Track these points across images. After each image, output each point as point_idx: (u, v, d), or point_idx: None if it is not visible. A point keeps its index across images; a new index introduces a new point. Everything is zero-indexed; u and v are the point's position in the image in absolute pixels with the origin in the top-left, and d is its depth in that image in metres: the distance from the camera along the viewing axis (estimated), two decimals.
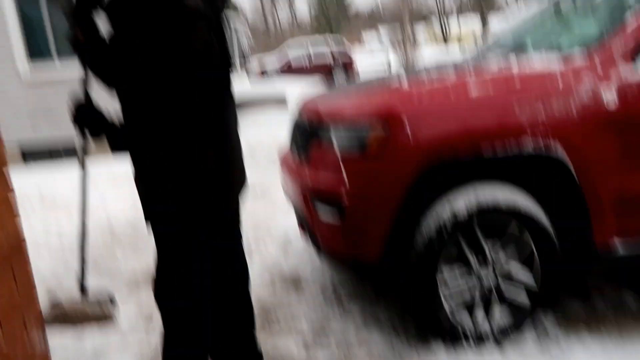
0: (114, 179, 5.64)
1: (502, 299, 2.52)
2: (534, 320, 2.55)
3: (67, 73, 8.33)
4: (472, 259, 2.47)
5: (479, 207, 2.37)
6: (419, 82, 2.69)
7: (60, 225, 4.57)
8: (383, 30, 75.54)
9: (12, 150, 7.72)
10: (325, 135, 2.68)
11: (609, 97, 2.41)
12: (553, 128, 2.37)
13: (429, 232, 2.40)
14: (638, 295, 2.90)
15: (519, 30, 3.79)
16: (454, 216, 2.36)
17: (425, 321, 2.53)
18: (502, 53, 3.34)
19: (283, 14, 63.57)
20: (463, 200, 2.39)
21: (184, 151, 1.59)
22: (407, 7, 30.15)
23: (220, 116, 1.68)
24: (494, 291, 2.50)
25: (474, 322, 2.50)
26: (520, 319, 2.53)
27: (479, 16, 50.87)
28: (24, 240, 1.87)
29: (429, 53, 32.09)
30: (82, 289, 2.81)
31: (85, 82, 1.76)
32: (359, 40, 56.99)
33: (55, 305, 2.76)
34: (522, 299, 2.52)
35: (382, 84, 3.08)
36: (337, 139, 2.58)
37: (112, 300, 2.83)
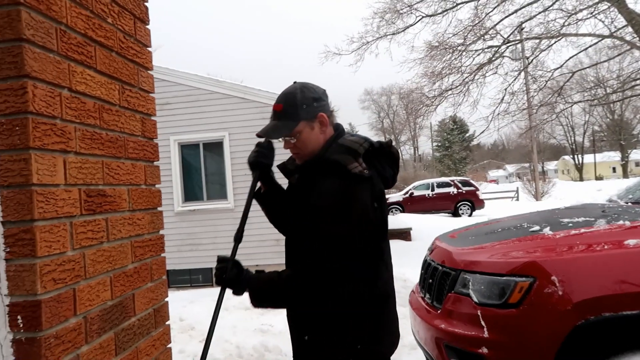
0: (245, 307, 5.88)
1: None
2: None
3: (211, 205, 9.39)
4: None
5: None
6: (565, 229, 2.55)
7: (196, 350, 4.79)
8: (509, 166, 74.60)
9: None
10: (461, 281, 2.59)
11: None
12: None
13: None
14: None
15: None
16: None
17: None
18: None
19: (407, 156, 66.28)
20: None
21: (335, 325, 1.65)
22: (535, 140, 29.60)
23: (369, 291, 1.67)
24: None
25: None
26: None
27: (618, 150, 47.96)
28: None
29: (563, 190, 30.46)
30: None
31: (237, 242, 1.83)
32: (484, 177, 56.53)
33: None
34: None
35: (521, 230, 2.97)
36: (474, 286, 2.48)
37: None
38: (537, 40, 13.96)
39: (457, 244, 3.09)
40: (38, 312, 1.10)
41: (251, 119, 8.98)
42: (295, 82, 1.80)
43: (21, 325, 1.11)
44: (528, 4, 13.45)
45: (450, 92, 14.59)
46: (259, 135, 1.75)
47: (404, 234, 12.09)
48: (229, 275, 1.64)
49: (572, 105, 17.46)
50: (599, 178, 52.20)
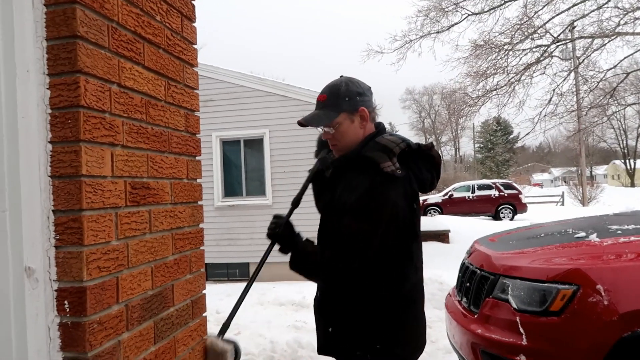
0: (280, 303, 5.95)
1: None
2: None
3: (249, 201, 9.53)
4: None
5: None
6: (613, 236, 2.45)
7: None
8: (555, 169, 72.09)
9: None
10: (500, 286, 2.53)
11: None
12: None
13: None
14: None
15: None
16: None
17: None
18: None
19: (447, 157, 65.20)
20: None
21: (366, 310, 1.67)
22: (584, 143, 28.48)
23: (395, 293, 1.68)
24: None
25: None
26: None
27: None
28: None
29: (612, 196, 29.18)
30: None
31: (294, 206, 1.87)
32: (527, 180, 54.92)
33: None
34: None
35: (566, 236, 2.87)
36: (514, 292, 2.42)
37: None
38: (590, 40, 13.42)
39: (497, 248, 3.01)
40: (84, 298, 1.15)
41: (291, 117, 9.04)
42: (341, 76, 1.81)
43: (67, 310, 1.16)
44: (581, 2, 12.95)
45: (494, 93, 14.23)
46: (299, 122, 1.77)
47: (442, 236, 11.90)
48: (282, 232, 1.71)
49: (625, 108, 16.70)
50: None
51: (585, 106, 15.05)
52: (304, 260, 1.70)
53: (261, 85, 9.52)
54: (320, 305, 1.83)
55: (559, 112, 14.73)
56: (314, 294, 1.91)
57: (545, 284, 2.31)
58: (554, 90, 14.45)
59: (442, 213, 20.51)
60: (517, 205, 20.56)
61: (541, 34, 13.57)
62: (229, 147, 9.83)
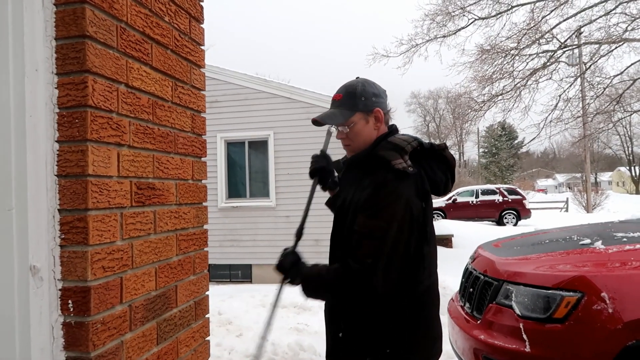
0: (282, 306, 5.94)
1: None
2: None
3: (253, 203, 9.54)
4: None
5: None
6: (619, 244, 2.43)
7: (232, 344, 4.88)
8: (560, 175, 71.83)
9: None
10: (503, 292, 2.52)
11: None
12: None
13: None
14: None
15: None
16: None
17: None
18: None
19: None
20: None
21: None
22: (589, 149, 28.38)
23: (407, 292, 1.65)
24: None
25: None
26: None
27: None
28: None
29: (617, 203, 29.05)
30: None
31: (329, 139, 1.94)
32: (532, 186, 54.76)
33: None
34: None
35: (570, 242, 2.85)
36: (517, 298, 2.41)
37: None
38: (597, 46, 13.38)
39: (501, 254, 3.00)
40: (88, 297, 1.15)
41: (296, 119, 9.06)
42: (357, 77, 1.81)
43: (71, 309, 1.16)
44: (588, 8, 12.92)
45: (500, 97, 14.20)
46: (314, 120, 1.75)
47: (445, 241, 11.87)
48: (285, 263, 1.69)
49: (631, 115, 16.61)
50: None
51: (591, 112, 14.99)
52: (312, 283, 1.68)
53: (266, 87, 9.53)
54: (331, 310, 1.81)
55: (565, 118, 14.70)
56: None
57: (550, 291, 2.30)
58: (560, 95, 14.42)
59: (445, 217, 20.46)
60: (521, 211, 20.47)
61: (548, 39, 13.55)
62: (234, 148, 9.84)
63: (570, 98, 14.58)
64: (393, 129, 1.79)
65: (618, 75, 14.03)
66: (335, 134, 1.81)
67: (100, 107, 1.20)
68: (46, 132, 1.16)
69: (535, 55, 13.72)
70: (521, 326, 2.32)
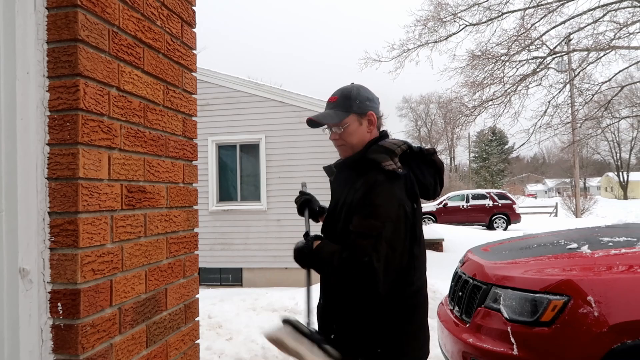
0: (273, 309, 5.93)
1: None
2: None
3: (244, 206, 9.52)
4: None
5: None
6: (605, 248, 2.47)
7: (222, 347, 4.86)
8: (549, 180, 72.43)
9: None
10: (492, 296, 2.54)
11: None
12: None
13: None
14: None
15: None
16: None
17: None
18: None
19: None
20: None
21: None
22: (578, 155, 28.67)
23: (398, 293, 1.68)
24: None
25: None
26: None
27: None
28: None
29: (606, 208, 29.34)
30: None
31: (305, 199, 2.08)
32: (522, 191, 55.16)
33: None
34: None
35: (558, 247, 2.89)
36: (506, 302, 2.43)
37: None
38: (585, 52, 13.55)
39: (489, 258, 3.03)
40: (77, 300, 1.15)
41: (288, 123, 9.07)
42: (352, 83, 1.87)
43: (61, 312, 1.16)
44: (577, 15, 13.09)
45: (490, 103, 14.32)
46: (309, 120, 1.80)
47: (436, 245, 11.91)
48: (302, 247, 1.75)
49: (619, 121, 16.85)
50: None
51: (580, 118, 15.17)
52: (317, 255, 1.72)
53: (258, 90, 9.54)
54: (323, 311, 1.83)
55: (554, 124, 14.85)
56: (317, 300, 1.90)
57: (537, 295, 2.32)
58: (549, 101, 14.57)
59: (436, 222, 20.55)
60: (510, 215, 20.62)
61: (538, 46, 13.70)
62: (225, 151, 9.83)
63: (560, 104, 14.74)
64: (384, 134, 1.84)
65: (606, 82, 14.22)
66: (329, 135, 1.86)
67: (91, 110, 1.21)
68: (37, 134, 1.16)
69: (525, 61, 13.87)
70: (509, 329, 2.34)
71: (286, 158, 9.14)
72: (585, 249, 2.62)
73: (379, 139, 1.79)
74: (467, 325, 2.69)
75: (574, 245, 2.74)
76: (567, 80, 14.55)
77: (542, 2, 12.83)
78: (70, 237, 1.16)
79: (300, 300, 6.24)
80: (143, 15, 1.44)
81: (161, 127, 1.55)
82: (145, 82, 1.45)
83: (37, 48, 1.16)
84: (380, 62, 14.82)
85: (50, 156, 1.17)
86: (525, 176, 71.03)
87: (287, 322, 1.68)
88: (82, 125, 1.17)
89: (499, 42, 13.70)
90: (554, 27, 13.43)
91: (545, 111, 14.65)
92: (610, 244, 2.64)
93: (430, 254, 11.15)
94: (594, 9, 12.73)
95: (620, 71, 14.69)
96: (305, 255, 1.74)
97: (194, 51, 1.78)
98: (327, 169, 1.97)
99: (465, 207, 21.44)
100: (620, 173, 56.76)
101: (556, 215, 28.32)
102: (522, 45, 13.46)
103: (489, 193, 21.94)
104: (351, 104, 1.76)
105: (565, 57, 14.57)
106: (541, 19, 13.14)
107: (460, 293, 2.99)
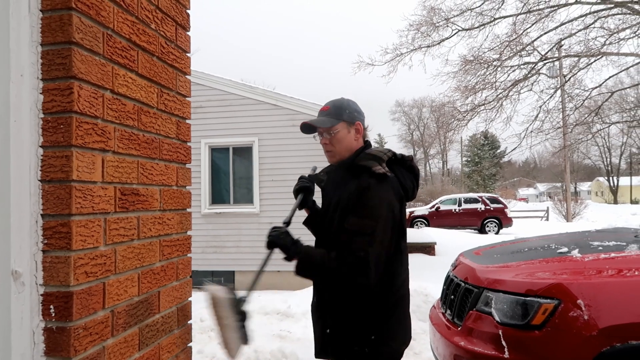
0: (265, 312, 5.92)
1: None
2: None
3: (237, 209, 9.50)
4: None
5: None
6: (595, 252, 2.49)
7: (214, 351, 4.85)
8: (540, 185, 72.93)
9: None
10: (483, 299, 2.56)
11: None
12: None
13: None
14: None
15: None
16: None
17: None
18: None
19: (435, 170, 65.88)
20: None
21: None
22: (569, 159, 28.91)
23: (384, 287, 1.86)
24: None
25: None
26: None
27: None
28: None
29: (596, 212, 29.58)
30: None
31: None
32: (513, 195, 55.46)
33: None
34: None
35: (549, 251, 2.91)
36: (497, 305, 2.45)
37: None
38: (576, 58, 13.69)
39: (481, 261, 3.05)
40: (70, 303, 1.15)
41: (281, 126, 9.07)
42: (342, 97, 2.09)
43: (53, 315, 1.16)
44: (568, 21, 13.23)
45: (483, 108, 14.41)
46: (302, 125, 2.00)
47: (428, 248, 11.94)
48: (284, 241, 1.86)
49: (609, 126, 17.01)
50: (634, 202, 50.53)
51: (570, 123, 15.31)
52: (312, 261, 1.83)
53: (252, 93, 9.53)
54: (318, 308, 1.98)
55: (545, 129, 14.97)
56: (311, 300, 2.06)
57: (528, 298, 2.34)
58: (540, 106, 14.69)
59: (428, 225, 20.60)
60: (502, 219, 20.72)
61: (529, 52, 13.82)
62: (218, 154, 9.80)
63: (551, 109, 14.88)
64: (368, 143, 2.07)
65: (597, 87, 14.36)
66: (319, 140, 2.05)
67: (85, 113, 1.21)
68: (30, 137, 1.16)
69: (516, 66, 13.99)
70: (500, 333, 2.36)
71: (279, 161, 9.13)
72: (575, 253, 2.64)
73: (365, 148, 2.01)
74: (459, 329, 2.70)
75: (565, 250, 2.76)
76: (558, 86, 14.69)
77: (534, 8, 12.95)
78: (63, 240, 1.16)
79: (292, 303, 6.23)
80: (137, 19, 1.45)
81: (155, 130, 1.55)
82: (139, 85, 1.46)
83: (31, 50, 1.16)
84: (373, 66, 14.87)
85: (43, 158, 1.17)
86: (517, 180, 71.44)
87: (234, 294, 1.81)
88: (76, 128, 1.17)
89: (491, 47, 13.82)
90: (545, 33, 13.58)
91: (537, 116, 14.77)
92: (600, 248, 2.67)
93: (422, 258, 11.17)
94: (586, 15, 12.88)
95: (610, 77, 14.87)
96: (309, 267, 1.85)
97: (188, 54, 1.78)
98: (315, 178, 2.17)
99: (457, 210, 21.52)
100: (611, 178, 57.29)
101: (547, 219, 28.50)
102: (514, 50, 13.58)
103: (481, 197, 22.03)
104: (342, 112, 1.97)
105: (557, 63, 14.72)
106: (533, 24, 13.28)
107: (452, 296, 3.00)
